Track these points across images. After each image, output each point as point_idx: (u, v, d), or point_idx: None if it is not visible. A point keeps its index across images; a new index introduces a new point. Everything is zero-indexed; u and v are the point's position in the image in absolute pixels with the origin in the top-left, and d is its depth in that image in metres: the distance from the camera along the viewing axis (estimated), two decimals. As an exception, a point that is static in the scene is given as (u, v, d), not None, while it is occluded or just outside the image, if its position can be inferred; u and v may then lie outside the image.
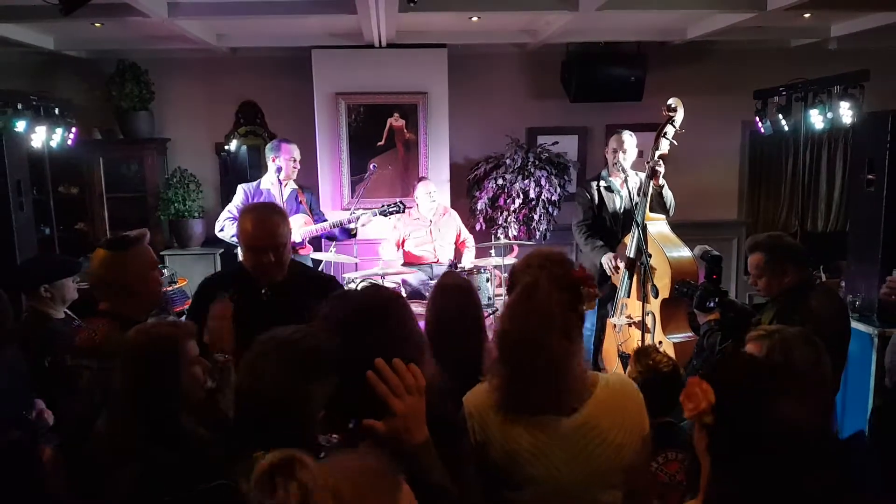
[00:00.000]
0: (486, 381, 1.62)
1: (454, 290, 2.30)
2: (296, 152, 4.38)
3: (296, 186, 4.43)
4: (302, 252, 4.32)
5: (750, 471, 1.20)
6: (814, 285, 2.79)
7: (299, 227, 4.27)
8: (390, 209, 4.40)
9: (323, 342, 1.36)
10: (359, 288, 1.67)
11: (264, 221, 2.35)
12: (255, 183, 4.44)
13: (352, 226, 4.34)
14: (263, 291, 2.39)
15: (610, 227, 4.25)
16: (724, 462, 1.23)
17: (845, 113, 4.68)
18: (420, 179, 5.28)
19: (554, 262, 1.60)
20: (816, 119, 4.93)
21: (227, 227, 4.28)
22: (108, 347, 1.89)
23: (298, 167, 4.44)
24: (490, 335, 5.26)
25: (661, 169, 3.84)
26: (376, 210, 4.40)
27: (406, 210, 4.52)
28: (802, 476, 1.20)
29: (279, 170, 4.26)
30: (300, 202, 4.39)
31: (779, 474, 1.18)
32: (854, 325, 3.29)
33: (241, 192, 4.39)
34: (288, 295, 2.32)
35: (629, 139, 4.15)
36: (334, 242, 4.90)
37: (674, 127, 3.83)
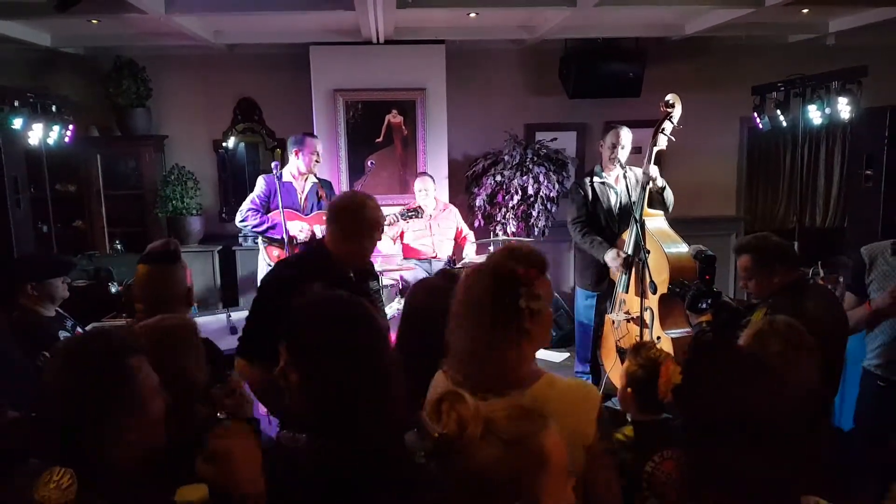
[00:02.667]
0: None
1: (429, 289, 2.17)
2: (319, 146, 4.37)
3: (316, 181, 4.42)
4: None
5: (703, 450, 1.25)
6: (808, 285, 2.74)
7: (320, 225, 4.25)
8: (409, 214, 4.37)
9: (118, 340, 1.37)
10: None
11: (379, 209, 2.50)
12: (277, 173, 4.33)
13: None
14: (351, 275, 2.51)
15: (605, 222, 4.25)
16: (688, 441, 1.29)
17: (843, 108, 4.68)
18: (419, 174, 5.27)
19: (511, 253, 1.60)
20: (814, 115, 4.92)
21: (249, 219, 4.25)
22: None
23: (321, 161, 4.41)
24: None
25: (655, 173, 3.85)
26: (397, 214, 4.36)
27: (422, 214, 4.49)
28: (756, 462, 1.22)
29: (304, 162, 4.27)
30: (320, 197, 4.39)
31: (728, 458, 1.22)
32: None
33: (261, 182, 4.34)
34: (362, 277, 2.58)
35: (626, 135, 4.16)
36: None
37: (672, 123, 3.83)
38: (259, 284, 2.60)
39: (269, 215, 4.28)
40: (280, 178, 4.31)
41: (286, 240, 4.23)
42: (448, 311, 2.11)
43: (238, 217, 4.29)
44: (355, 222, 2.44)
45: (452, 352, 1.58)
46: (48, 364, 1.39)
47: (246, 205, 4.30)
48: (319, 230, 4.18)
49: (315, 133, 5.64)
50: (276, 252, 4.35)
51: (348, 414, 1.32)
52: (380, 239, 2.54)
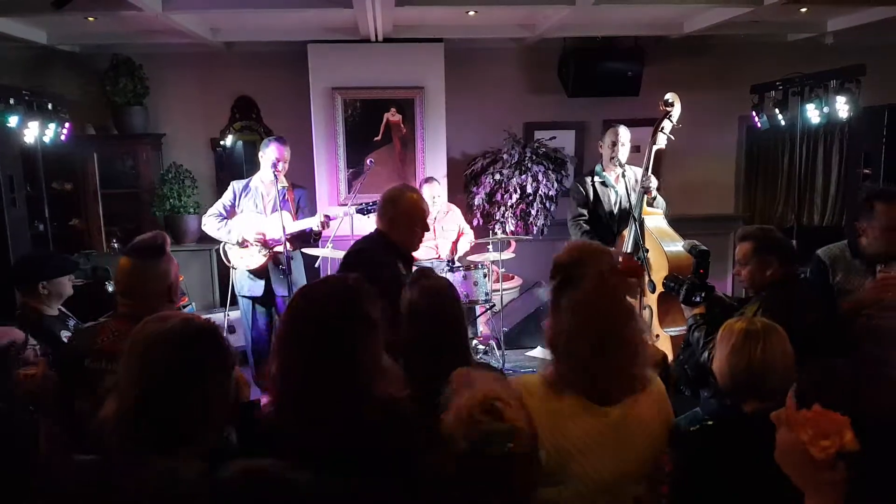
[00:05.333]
0: (538, 376, 1.64)
1: (431, 292, 2.14)
2: (281, 152, 4.23)
3: (286, 184, 4.34)
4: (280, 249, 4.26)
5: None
6: (798, 281, 2.81)
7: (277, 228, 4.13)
8: (370, 208, 4.24)
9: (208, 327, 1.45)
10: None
11: None
12: (246, 180, 4.43)
13: (315, 228, 4.19)
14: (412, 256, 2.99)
15: (606, 221, 4.24)
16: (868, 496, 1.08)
17: (842, 107, 4.68)
18: (427, 180, 5.20)
19: (605, 253, 1.64)
20: (813, 113, 4.92)
21: (209, 224, 4.33)
22: None
23: (285, 167, 4.28)
24: (484, 330, 5.25)
25: (654, 185, 3.86)
26: (353, 209, 4.28)
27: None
28: None
29: (273, 165, 4.20)
30: (286, 200, 4.32)
31: None
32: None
33: (230, 189, 4.39)
34: None
35: (625, 133, 4.15)
36: (331, 238, 4.88)
37: (671, 122, 3.83)
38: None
39: (226, 221, 4.31)
40: (248, 183, 4.35)
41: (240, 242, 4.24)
42: (449, 310, 2.11)
43: (202, 222, 4.41)
44: (399, 214, 2.82)
45: (590, 365, 1.54)
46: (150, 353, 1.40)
47: (212, 210, 4.37)
48: (276, 234, 4.09)
49: (312, 131, 5.64)
50: (238, 254, 4.31)
51: None
52: (427, 229, 2.93)
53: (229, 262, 4.38)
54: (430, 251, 5.02)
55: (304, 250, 4.54)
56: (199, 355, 1.39)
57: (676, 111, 3.81)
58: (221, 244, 4.39)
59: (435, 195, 5.03)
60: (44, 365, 2.07)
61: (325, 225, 4.19)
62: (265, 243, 4.23)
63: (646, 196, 3.87)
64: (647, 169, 3.87)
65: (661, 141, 3.86)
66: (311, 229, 4.22)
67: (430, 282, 2.19)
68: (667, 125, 3.84)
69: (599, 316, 1.54)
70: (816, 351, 2.53)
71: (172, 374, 1.36)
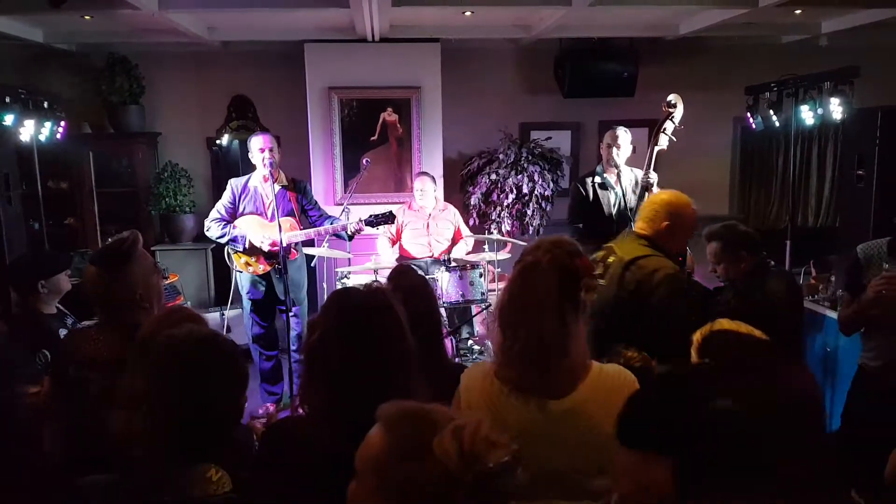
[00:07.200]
0: (487, 364, 1.67)
1: (408, 291, 2.11)
2: (264, 140, 4.14)
3: (285, 182, 4.28)
4: (291, 258, 4.23)
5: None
6: (770, 269, 2.97)
7: (285, 232, 4.05)
8: (378, 220, 4.20)
9: (222, 338, 1.49)
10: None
11: None
12: (244, 178, 4.32)
13: (346, 233, 4.25)
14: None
15: (604, 222, 4.25)
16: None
17: (835, 109, 4.70)
18: (419, 174, 5.21)
19: (560, 247, 1.61)
20: (807, 115, 4.94)
21: (213, 228, 4.24)
22: (115, 359, 1.76)
23: (272, 157, 4.13)
24: (480, 329, 5.23)
25: (654, 180, 3.86)
26: (363, 220, 4.22)
27: (393, 220, 4.34)
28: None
29: (262, 154, 4.14)
30: (288, 201, 4.26)
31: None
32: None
33: (228, 189, 4.32)
34: None
35: (623, 135, 4.16)
36: (326, 238, 4.89)
37: (673, 123, 3.83)
38: None
39: (231, 224, 4.24)
40: (246, 182, 4.28)
41: (247, 249, 4.19)
42: (422, 307, 2.12)
43: (205, 226, 4.30)
44: (681, 225, 2.68)
45: (505, 348, 1.57)
46: (170, 359, 1.41)
47: (212, 214, 4.28)
48: (286, 238, 4.01)
49: (308, 131, 5.64)
50: (243, 259, 4.28)
51: None
52: (690, 236, 2.73)
53: (234, 266, 4.38)
54: (423, 248, 5.03)
55: (303, 250, 4.56)
56: (218, 366, 1.42)
57: (679, 112, 3.81)
58: (226, 248, 4.37)
59: (425, 189, 5.00)
60: (48, 383, 2.04)
61: (356, 233, 4.26)
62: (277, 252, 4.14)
63: (647, 194, 3.86)
64: (648, 168, 3.86)
65: (663, 142, 3.85)
66: (345, 232, 4.26)
67: (406, 279, 2.23)
68: (669, 126, 3.84)
69: (514, 303, 1.59)
70: (790, 331, 2.65)
71: (197, 385, 1.38)
